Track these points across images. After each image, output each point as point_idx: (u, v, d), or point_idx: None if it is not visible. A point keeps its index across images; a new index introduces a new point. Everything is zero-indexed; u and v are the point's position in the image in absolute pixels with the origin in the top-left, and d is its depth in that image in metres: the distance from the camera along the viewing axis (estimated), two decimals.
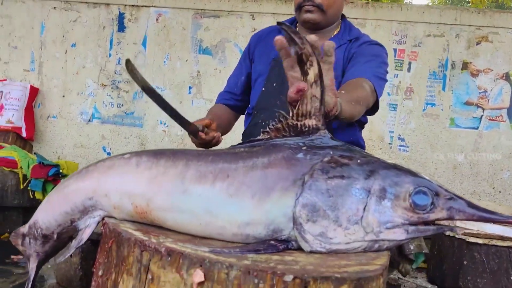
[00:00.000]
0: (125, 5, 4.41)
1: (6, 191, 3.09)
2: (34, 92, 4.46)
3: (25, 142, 4.29)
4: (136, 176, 1.14)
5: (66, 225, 1.26)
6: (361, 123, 1.89)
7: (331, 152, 1.08)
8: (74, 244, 1.21)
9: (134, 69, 1.35)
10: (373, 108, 1.69)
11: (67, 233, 1.31)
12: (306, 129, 1.10)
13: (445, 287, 2.53)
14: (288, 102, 1.08)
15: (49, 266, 2.43)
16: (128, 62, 1.35)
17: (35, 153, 3.45)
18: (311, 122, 1.09)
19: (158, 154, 1.17)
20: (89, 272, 1.62)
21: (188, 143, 4.28)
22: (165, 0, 4.35)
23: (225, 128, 1.94)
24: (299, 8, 1.77)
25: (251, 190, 1.03)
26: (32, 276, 1.44)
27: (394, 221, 1.03)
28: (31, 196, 3.05)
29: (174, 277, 0.93)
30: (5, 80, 4.49)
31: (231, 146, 1.28)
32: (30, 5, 4.59)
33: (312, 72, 1.05)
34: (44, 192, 2.97)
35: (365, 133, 1.98)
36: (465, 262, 2.35)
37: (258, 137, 1.15)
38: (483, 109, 3.96)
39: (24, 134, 4.29)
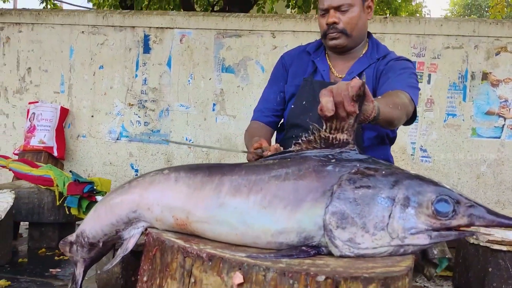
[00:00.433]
0: (150, 27, 4.58)
1: (43, 208, 3.23)
2: (64, 113, 4.64)
3: (57, 161, 4.45)
4: (176, 191, 1.24)
5: (111, 234, 1.37)
6: (391, 139, 1.94)
7: (358, 165, 1.16)
8: (119, 252, 1.31)
9: None
10: (412, 118, 1.72)
11: (111, 242, 1.43)
12: (337, 142, 1.18)
13: None
14: (321, 116, 1.15)
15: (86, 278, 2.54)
16: None
17: (70, 171, 3.59)
18: (342, 136, 1.17)
19: (194, 169, 1.27)
20: (129, 281, 1.72)
21: (212, 158, 4.40)
22: (188, 22, 4.50)
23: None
24: (324, 36, 1.83)
25: (283, 202, 1.11)
26: (80, 280, 1.55)
27: (418, 227, 1.10)
28: (67, 212, 3.17)
29: (216, 280, 1.02)
30: (37, 102, 4.68)
31: (263, 158, 1.36)
32: (59, 30, 4.79)
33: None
34: (80, 208, 3.09)
35: None
36: (490, 269, 2.38)
37: (289, 149, 1.24)
38: (505, 119, 3.98)
39: (55, 154, 4.46)
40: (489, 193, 4.00)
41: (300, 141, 1.22)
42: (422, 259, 1.55)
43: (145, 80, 4.58)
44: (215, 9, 7.66)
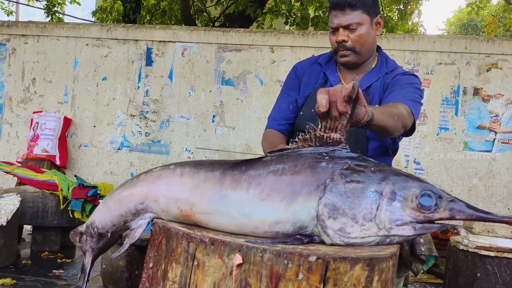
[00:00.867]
0: (153, 41, 4.72)
1: (47, 212, 3.32)
2: (67, 122, 4.76)
3: (59, 170, 4.54)
4: (181, 184, 1.34)
5: (120, 225, 1.48)
6: (393, 150, 2.01)
7: (349, 162, 1.27)
8: (127, 241, 1.41)
9: None
10: (411, 130, 1.81)
11: (119, 232, 1.54)
12: (330, 141, 1.29)
13: None
14: (317, 115, 1.26)
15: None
16: None
17: (75, 175, 3.68)
18: (335, 135, 1.28)
19: (198, 165, 1.37)
20: (133, 274, 1.81)
21: None
22: (190, 36, 4.65)
23: None
24: (335, 52, 1.92)
25: (280, 195, 1.22)
26: (88, 269, 1.64)
27: (403, 219, 1.20)
28: (71, 216, 3.26)
29: (217, 262, 1.12)
30: (41, 111, 4.79)
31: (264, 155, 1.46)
32: (64, 42, 4.93)
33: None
34: (83, 211, 3.18)
35: None
36: (478, 275, 2.47)
37: (287, 146, 1.35)
38: (496, 133, 4.10)
39: (58, 162, 4.56)
40: (481, 205, 4.10)
41: (296, 139, 1.33)
42: (411, 255, 1.64)
43: (147, 92, 4.71)
44: (215, 25, 7.83)
